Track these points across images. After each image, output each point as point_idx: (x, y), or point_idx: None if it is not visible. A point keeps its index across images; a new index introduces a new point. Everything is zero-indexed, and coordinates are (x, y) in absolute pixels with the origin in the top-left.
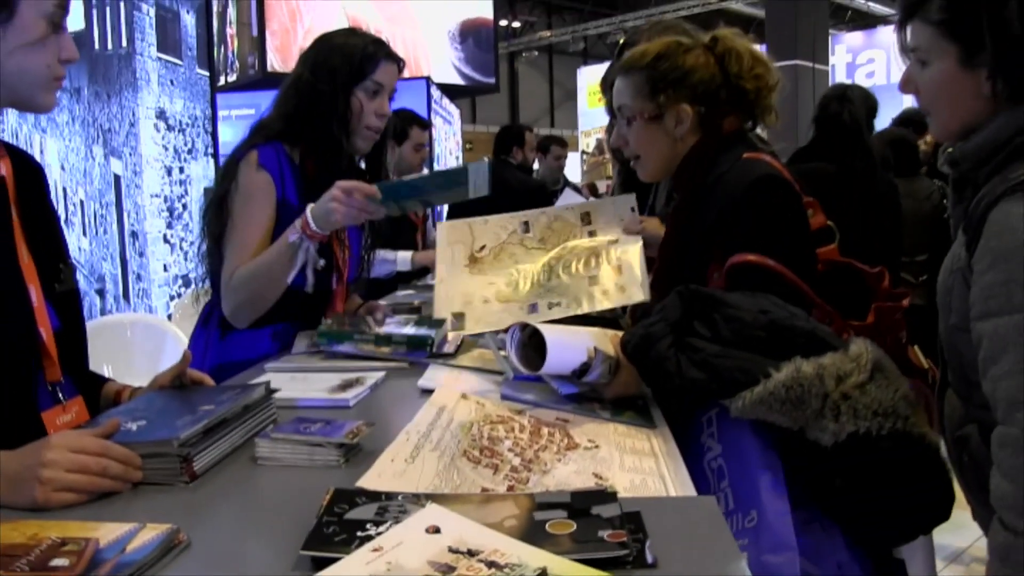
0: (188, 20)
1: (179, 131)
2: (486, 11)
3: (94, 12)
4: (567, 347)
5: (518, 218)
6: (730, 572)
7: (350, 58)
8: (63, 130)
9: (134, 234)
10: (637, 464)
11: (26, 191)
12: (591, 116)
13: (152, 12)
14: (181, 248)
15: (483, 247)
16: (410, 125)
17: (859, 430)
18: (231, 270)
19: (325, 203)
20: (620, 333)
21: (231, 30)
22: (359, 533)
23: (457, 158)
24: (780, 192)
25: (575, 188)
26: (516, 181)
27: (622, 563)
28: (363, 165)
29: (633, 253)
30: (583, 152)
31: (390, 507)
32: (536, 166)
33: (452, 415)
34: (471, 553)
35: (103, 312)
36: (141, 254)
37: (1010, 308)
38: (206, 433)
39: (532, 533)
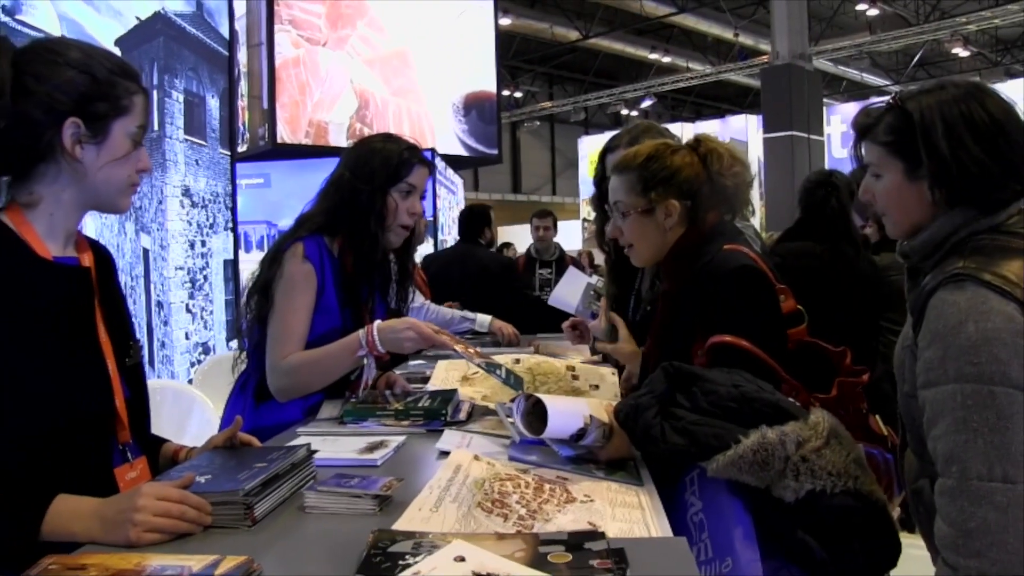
0: (212, 104)
1: (202, 207)
2: (489, 84)
3: None
4: (566, 414)
5: (512, 356)
6: None
7: (387, 161)
8: None
9: (159, 304)
10: (626, 515)
11: (103, 278)
12: (592, 184)
13: (181, 98)
14: (201, 317)
15: (476, 372)
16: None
17: (816, 488)
18: (282, 354)
19: (400, 335)
20: (613, 403)
21: (242, 103)
22: (400, 562)
23: None
24: (755, 281)
25: (577, 263)
26: (489, 259)
27: None
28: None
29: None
30: (584, 219)
31: (423, 543)
32: (531, 239)
33: (467, 473)
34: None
35: None
36: (165, 323)
37: (945, 379)
38: (264, 485)
39: (537, 562)
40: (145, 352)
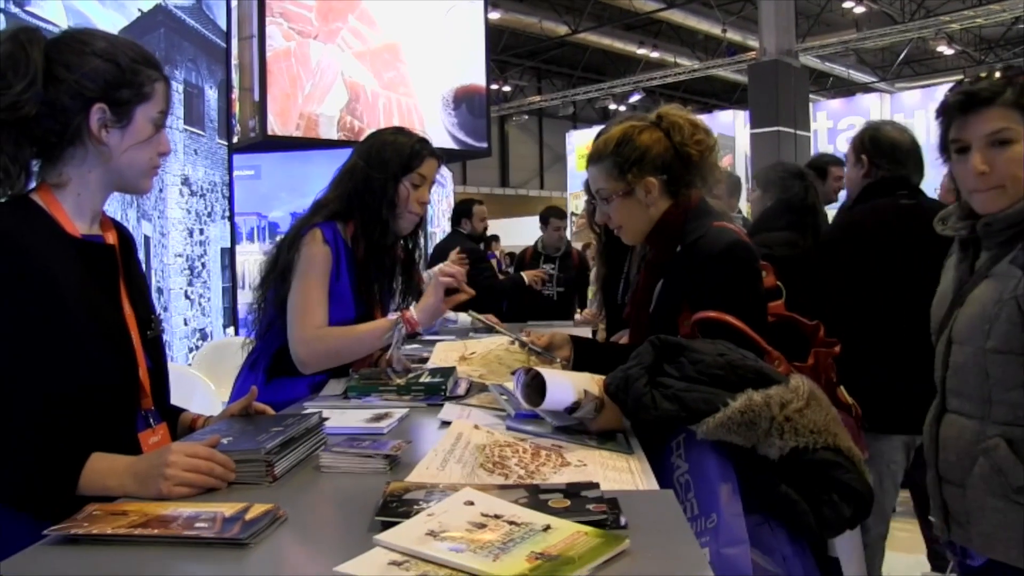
0: (211, 95)
1: (200, 196)
2: (479, 78)
3: None
4: (562, 388)
5: (509, 337)
6: (682, 542)
7: (400, 152)
8: None
9: (159, 290)
10: (617, 477)
11: (126, 255)
12: (580, 178)
13: (181, 89)
14: (200, 304)
15: (473, 352)
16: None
17: (799, 445)
18: (313, 324)
19: (432, 306)
20: (603, 377)
21: (233, 95)
22: (415, 507)
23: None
24: (745, 258)
25: (582, 259)
26: (456, 245)
27: (603, 524)
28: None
29: None
30: (572, 213)
31: (434, 492)
32: (541, 234)
33: (468, 440)
34: (497, 516)
35: None
36: (165, 309)
37: None
38: (282, 446)
39: (538, 506)
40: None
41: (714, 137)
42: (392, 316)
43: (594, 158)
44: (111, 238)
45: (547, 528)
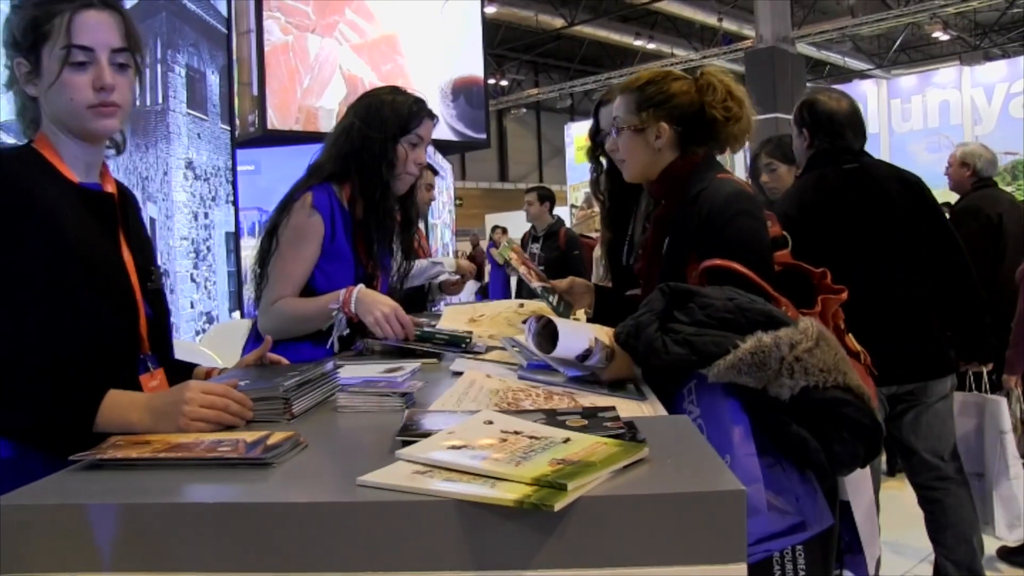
0: (213, 79)
1: (204, 180)
2: (476, 69)
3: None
4: (573, 335)
5: (516, 302)
6: (703, 456)
7: (398, 112)
8: None
9: (166, 272)
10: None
11: (125, 207)
12: (579, 171)
13: (183, 72)
14: (205, 287)
15: (482, 315)
16: (424, 168)
17: (809, 384)
18: (274, 297)
19: (374, 308)
20: (612, 329)
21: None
22: (435, 428)
23: (450, 211)
24: (750, 205)
25: (572, 238)
26: None
27: (621, 438)
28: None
29: None
30: (572, 206)
31: (454, 416)
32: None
33: (482, 386)
34: (517, 432)
35: None
36: (171, 291)
37: None
38: (299, 386)
39: (557, 426)
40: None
41: (748, 111)
42: (337, 299)
43: (623, 89)
44: (110, 187)
45: (567, 440)
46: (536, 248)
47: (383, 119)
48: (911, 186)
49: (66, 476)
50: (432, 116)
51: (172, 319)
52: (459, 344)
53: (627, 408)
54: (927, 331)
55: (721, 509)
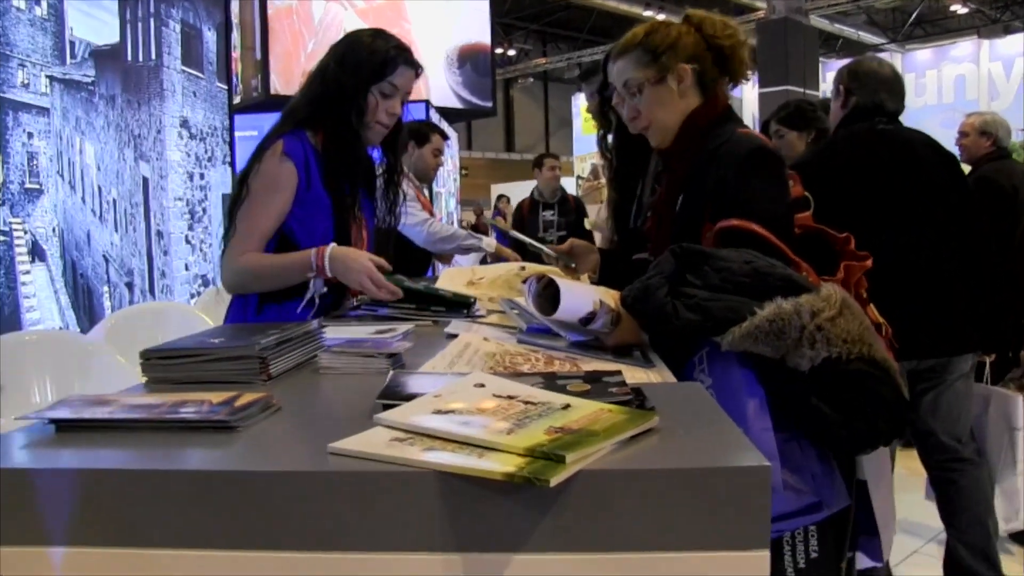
0: (209, 36)
1: (200, 140)
2: (484, 36)
3: (128, 27)
4: (577, 297)
5: (517, 264)
6: (719, 426)
7: (373, 57)
8: (99, 134)
9: (159, 233)
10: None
11: None
12: (586, 142)
13: (178, 28)
14: (201, 249)
15: (481, 277)
16: (432, 132)
17: (831, 355)
18: (238, 251)
19: (351, 269)
20: (618, 292)
21: (235, 53)
22: (420, 391)
23: (455, 180)
24: (771, 162)
25: (579, 204)
26: None
27: (627, 406)
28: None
29: None
30: (579, 177)
31: (443, 378)
32: (535, 181)
33: (478, 348)
34: (510, 397)
35: (132, 304)
36: (166, 252)
37: None
38: (278, 345)
39: (556, 391)
40: (146, 279)
41: (744, 33)
42: (310, 262)
43: (621, 51)
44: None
45: (567, 407)
46: (550, 215)
47: (357, 62)
48: (945, 157)
49: (12, 437)
50: (414, 66)
51: (166, 281)
52: (464, 307)
53: (634, 375)
54: (953, 305)
55: (742, 487)
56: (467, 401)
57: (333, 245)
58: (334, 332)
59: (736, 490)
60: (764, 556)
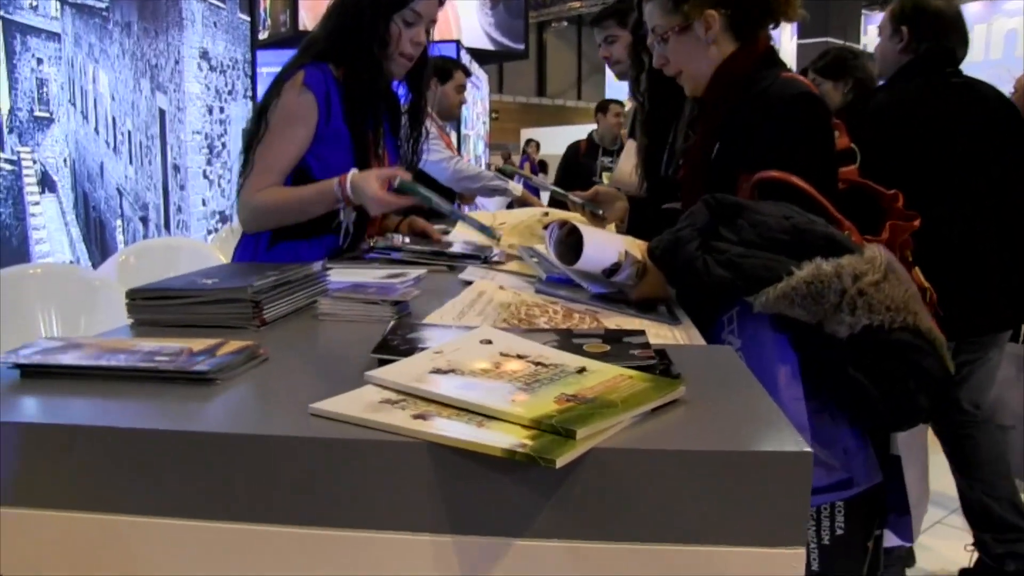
0: None
1: (220, 72)
2: None
3: None
4: (601, 246)
5: (541, 210)
6: (754, 400)
7: None
8: (114, 62)
9: (176, 167)
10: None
11: None
12: (618, 89)
13: None
14: (219, 185)
15: (503, 223)
16: (455, 68)
17: (873, 323)
18: (257, 186)
19: (365, 196)
20: (645, 243)
21: None
22: (420, 345)
23: (484, 123)
24: (817, 111)
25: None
26: None
27: (650, 371)
28: (403, 91)
29: None
30: None
31: (446, 332)
32: (596, 126)
33: (492, 297)
34: (520, 356)
35: (146, 239)
36: (182, 187)
37: None
38: (274, 288)
39: (571, 351)
40: (161, 213)
41: None
42: (334, 192)
43: None
44: None
45: (582, 371)
46: (608, 161)
47: None
48: (1014, 116)
49: None
50: None
51: (182, 217)
52: (492, 235)
53: (658, 334)
54: (1012, 277)
55: (779, 475)
56: (470, 359)
57: (353, 171)
58: (340, 275)
59: (772, 478)
60: (800, 554)
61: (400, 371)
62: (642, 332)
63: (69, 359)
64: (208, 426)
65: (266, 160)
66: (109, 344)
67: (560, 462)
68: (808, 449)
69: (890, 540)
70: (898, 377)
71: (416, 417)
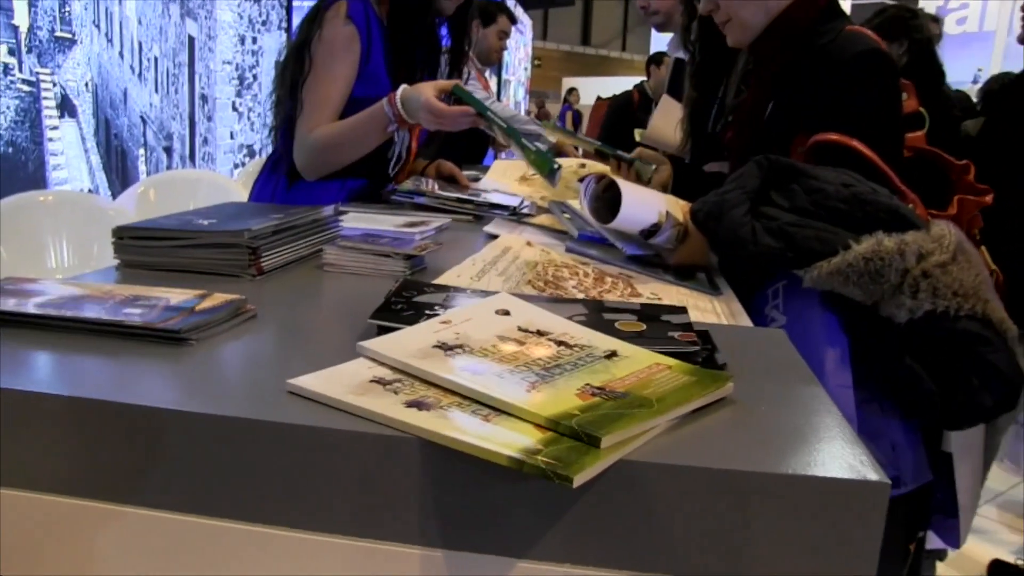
0: None
1: (254, 0)
2: None
3: None
4: (641, 204)
5: (578, 161)
6: (816, 404)
7: None
8: None
9: (204, 97)
10: (700, 318)
11: None
12: (664, 41)
13: None
14: (248, 118)
15: (535, 173)
16: (500, 12)
17: (937, 309)
18: (311, 126)
19: (416, 108)
20: (689, 203)
21: None
22: (427, 312)
23: (526, 69)
24: (884, 69)
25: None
26: None
27: (692, 360)
28: (445, 31)
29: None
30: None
31: (458, 296)
32: (648, 79)
33: (518, 254)
34: (540, 333)
35: (169, 169)
36: (209, 118)
37: None
38: (275, 233)
39: (601, 327)
40: (187, 144)
41: None
42: (384, 114)
43: None
44: None
45: (612, 355)
46: None
47: None
48: None
49: None
50: None
51: (208, 149)
52: (550, 167)
53: (696, 305)
54: None
55: (851, 507)
56: (482, 334)
57: (404, 87)
58: (355, 221)
59: (841, 510)
60: None
61: (399, 343)
62: (683, 309)
63: (28, 307)
64: (157, 399)
65: (316, 97)
66: (80, 291)
67: (578, 480)
68: (887, 480)
69: (933, 542)
70: (960, 371)
71: (410, 405)
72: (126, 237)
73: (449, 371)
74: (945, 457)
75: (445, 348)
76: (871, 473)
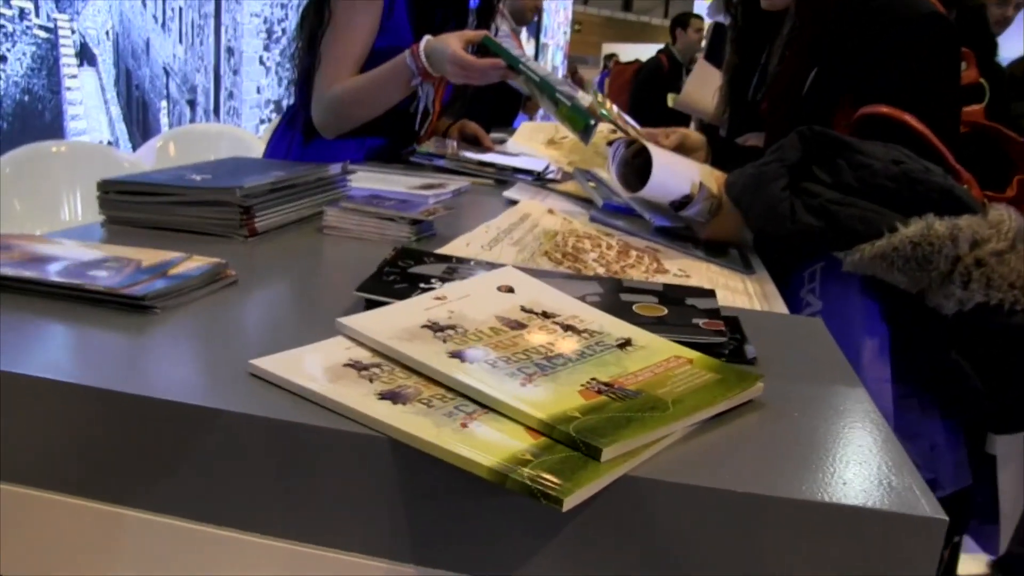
0: None
1: None
2: None
3: None
4: (673, 174)
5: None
6: (861, 412)
7: None
8: None
9: (230, 50)
10: (731, 300)
11: None
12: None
13: None
14: (276, 72)
15: (565, 136)
16: None
17: (990, 301)
18: (330, 81)
19: (442, 60)
20: (724, 175)
21: None
22: (422, 284)
23: (565, 33)
24: (943, 35)
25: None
26: None
27: (718, 352)
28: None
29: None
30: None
31: (460, 268)
32: (674, 42)
33: (537, 222)
34: (546, 315)
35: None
36: (235, 72)
37: None
38: (272, 192)
39: (617, 309)
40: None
41: None
42: (407, 66)
43: None
44: None
45: (626, 344)
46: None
47: None
48: None
49: None
50: None
51: (233, 103)
52: (586, 122)
53: (727, 284)
54: None
55: (901, 543)
56: (479, 314)
57: (427, 38)
58: (365, 181)
59: (888, 546)
60: None
61: (383, 321)
62: (711, 292)
63: None
64: (96, 378)
65: (335, 51)
66: (45, 249)
67: (569, 502)
68: (943, 516)
69: (968, 547)
70: (1012, 370)
71: (384, 396)
72: (111, 191)
73: (433, 357)
74: (988, 459)
75: (435, 329)
76: (924, 506)
